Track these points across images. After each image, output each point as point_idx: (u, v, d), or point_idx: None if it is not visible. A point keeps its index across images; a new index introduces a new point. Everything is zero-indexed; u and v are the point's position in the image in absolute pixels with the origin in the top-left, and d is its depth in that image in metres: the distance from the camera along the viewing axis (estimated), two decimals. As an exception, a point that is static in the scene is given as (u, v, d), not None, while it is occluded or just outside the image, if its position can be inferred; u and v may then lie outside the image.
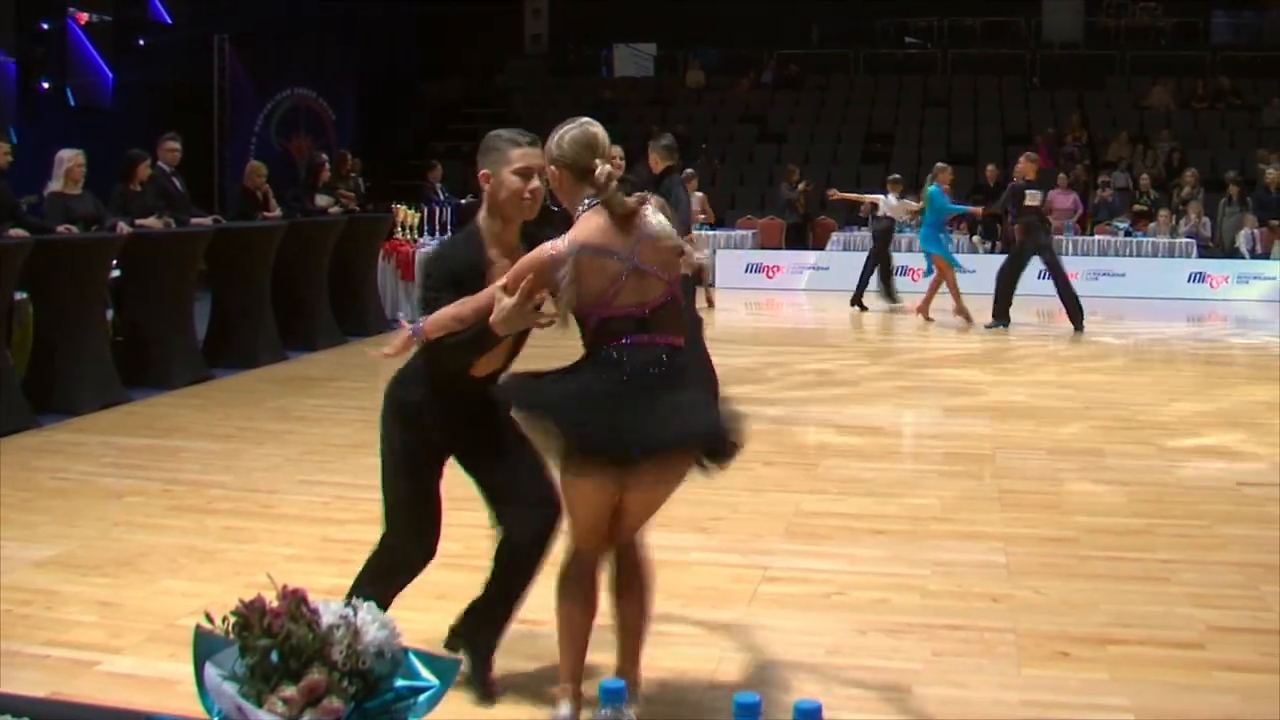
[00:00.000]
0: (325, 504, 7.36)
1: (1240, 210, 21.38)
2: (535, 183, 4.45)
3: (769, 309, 19.62)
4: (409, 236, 16.41)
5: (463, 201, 19.30)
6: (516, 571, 4.85)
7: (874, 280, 18.32)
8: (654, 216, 4.18)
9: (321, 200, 15.13)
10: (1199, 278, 20.45)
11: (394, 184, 21.47)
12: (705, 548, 6.56)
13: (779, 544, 6.63)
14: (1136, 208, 22.12)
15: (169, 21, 21.00)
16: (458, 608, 5.60)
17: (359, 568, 5.04)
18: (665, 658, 5.06)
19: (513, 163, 4.46)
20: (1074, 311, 15.77)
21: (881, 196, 18.44)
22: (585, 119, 4.30)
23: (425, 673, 2.34)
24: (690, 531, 6.85)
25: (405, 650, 2.33)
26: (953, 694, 4.79)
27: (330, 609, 2.29)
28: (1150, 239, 21.17)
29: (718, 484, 7.39)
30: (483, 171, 4.52)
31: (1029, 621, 5.52)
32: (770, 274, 21.64)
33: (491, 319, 4.10)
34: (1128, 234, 21.39)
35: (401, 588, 4.94)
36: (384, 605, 4.56)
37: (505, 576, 4.88)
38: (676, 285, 4.22)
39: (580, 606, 4.40)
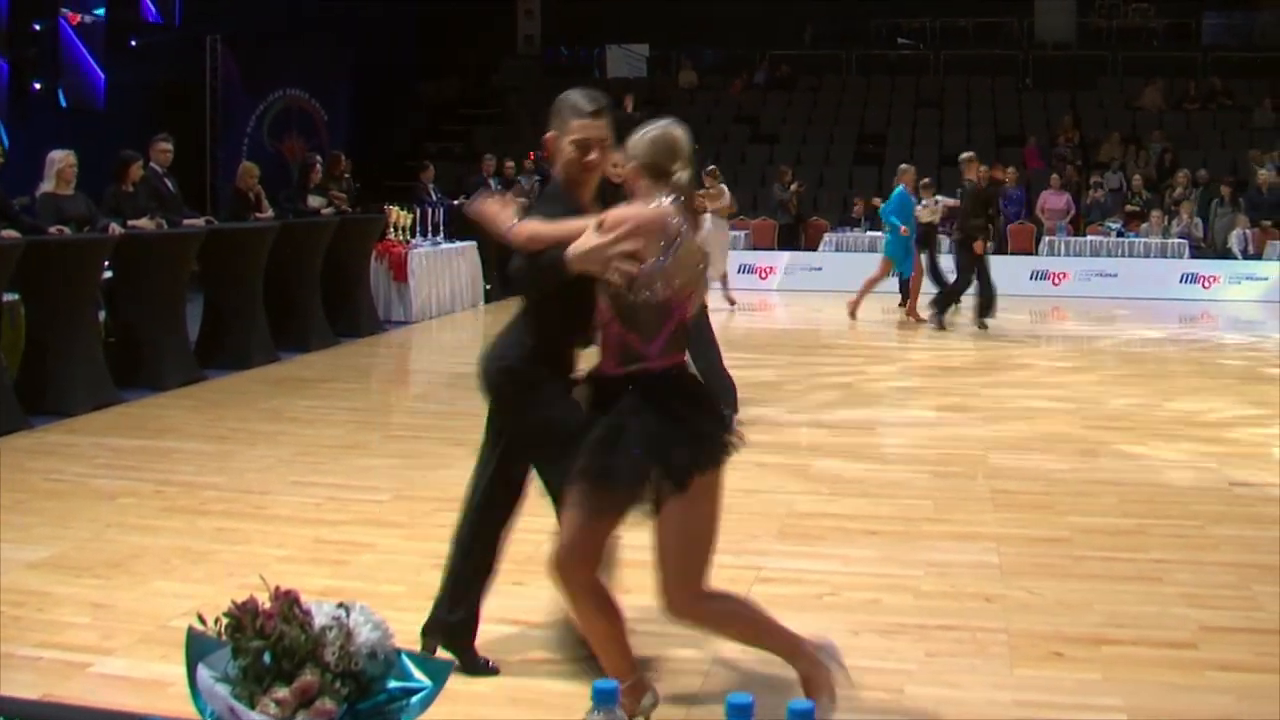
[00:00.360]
0: (318, 505, 7.35)
1: (1232, 211, 21.41)
2: (593, 155, 4.46)
3: (762, 311, 19.61)
4: (401, 237, 16.42)
5: (455, 202, 19.29)
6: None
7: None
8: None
9: (314, 201, 15.12)
10: (1191, 278, 20.47)
11: (387, 185, 21.46)
12: (698, 548, 6.54)
13: (772, 545, 6.63)
14: (1128, 208, 22.14)
15: (161, 21, 20.96)
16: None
17: (353, 569, 5.03)
18: (659, 658, 5.06)
19: (572, 133, 4.48)
20: (985, 304, 16.01)
21: (919, 206, 17.93)
22: (669, 120, 4.24)
23: (418, 674, 2.33)
24: (683, 532, 6.85)
25: (398, 651, 2.33)
26: (946, 694, 4.79)
27: (323, 610, 2.29)
28: (1142, 239, 21.19)
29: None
30: (549, 134, 4.56)
31: (1022, 622, 5.53)
32: (764, 275, 21.64)
33: (570, 249, 4.04)
34: (1120, 234, 21.41)
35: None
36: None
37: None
38: None
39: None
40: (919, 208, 17.24)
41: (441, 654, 4.69)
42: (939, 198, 17.92)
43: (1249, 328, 17.30)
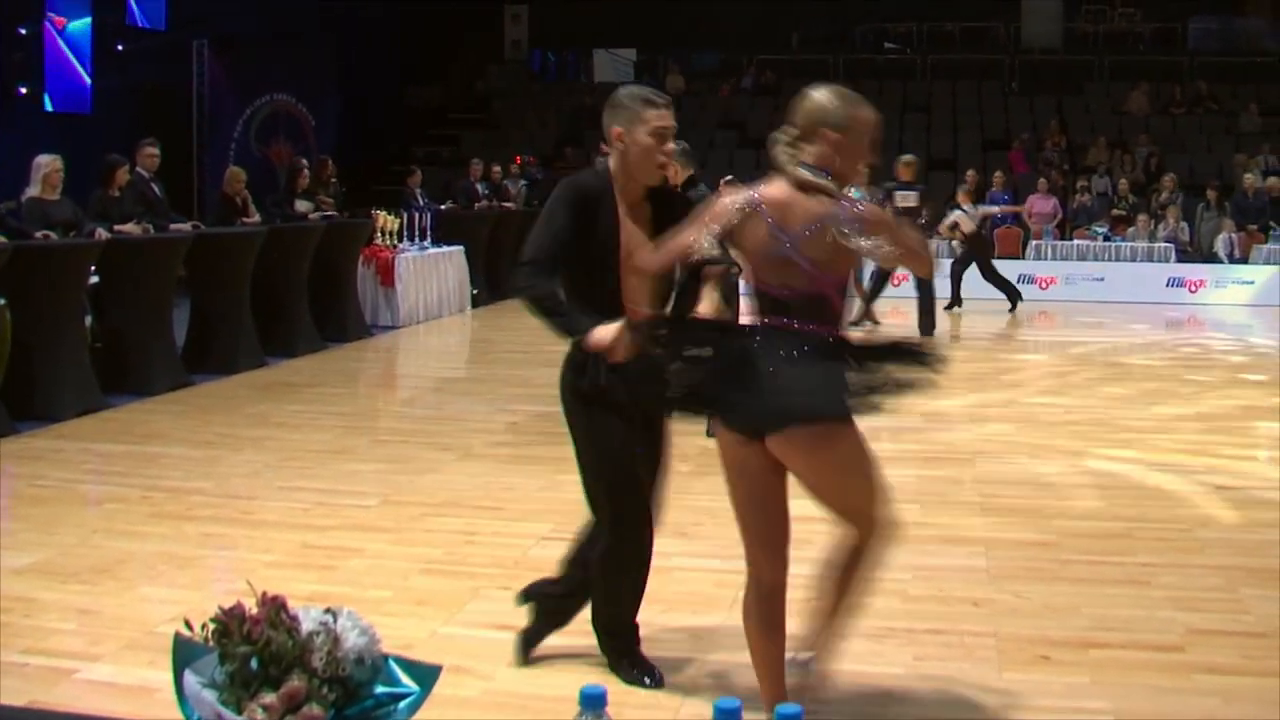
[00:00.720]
0: (305, 510, 7.34)
1: (1218, 215, 21.45)
2: (671, 144, 4.52)
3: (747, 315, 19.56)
4: (389, 242, 16.39)
5: (442, 207, 19.28)
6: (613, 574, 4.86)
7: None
8: None
9: (301, 206, 15.11)
10: (1177, 282, 20.50)
11: (374, 190, 21.45)
12: (687, 553, 6.55)
13: (760, 549, 6.63)
14: (1115, 212, 22.17)
15: (148, 26, 20.93)
16: (438, 614, 5.61)
17: (340, 574, 5.01)
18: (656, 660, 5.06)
19: (649, 123, 4.52)
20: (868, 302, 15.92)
21: (960, 214, 18.01)
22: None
23: (405, 679, 2.33)
24: (672, 537, 6.83)
25: (385, 657, 2.33)
26: (934, 698, 4.79)
27: (310, 616, 2.28)
28: (1129, 244, 21.23)
29: (698, 488, 7.41)
30: (615, 129, 4.56)
31: (1010, 625, 5.53)
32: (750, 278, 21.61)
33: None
34: (1106, 239, 21.45)
35: (642, 581, 4.92)
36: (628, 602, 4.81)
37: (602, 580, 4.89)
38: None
39: (752, 633, 4.35)
40: (957, 214, 17.35)
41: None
42: (979, 205, 17.96)
43: (1235, 331, 17.34)
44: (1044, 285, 20.63)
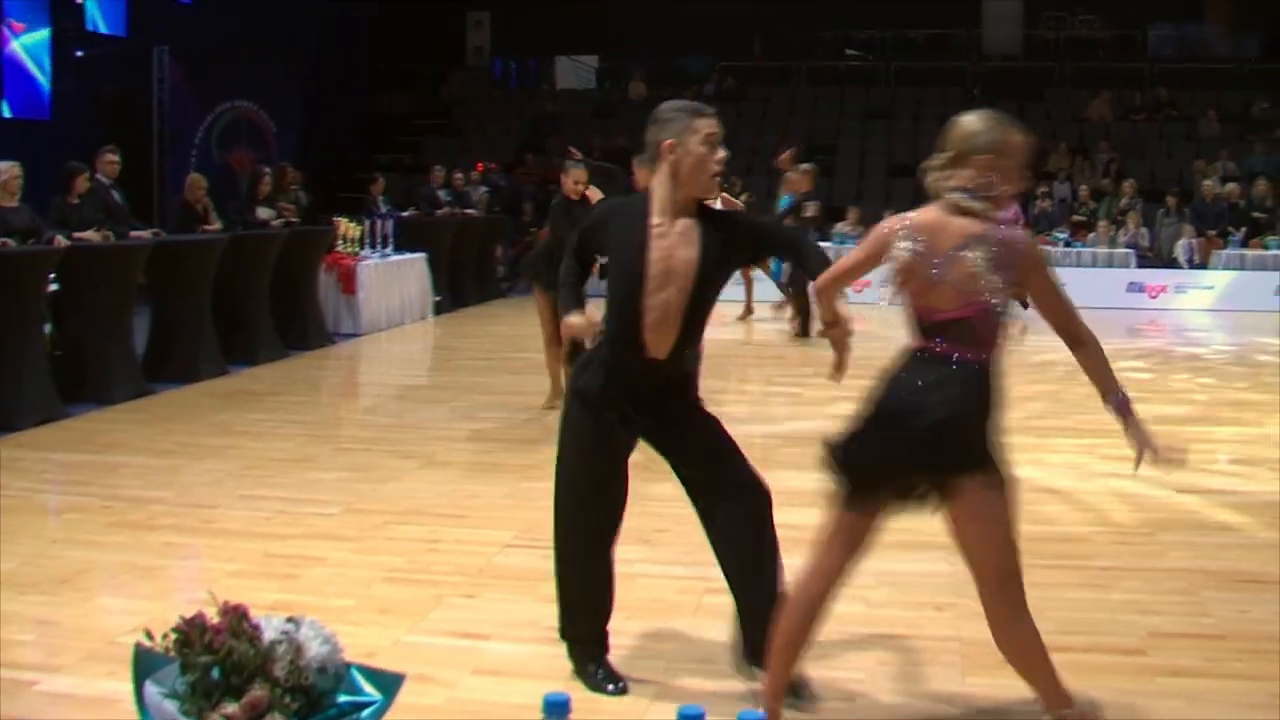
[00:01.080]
0: (267, 519, 7.30)
1: (1178, 220, 21.60)
2: (723, 152, 4.57)
3: (715, 321, 19.56)
4: (351, 250, 16.34)
5: (405, 214, 19.24)
6: (744, 565, 4.84)
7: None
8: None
9: (263, 213, 15.06)
10: (1138, 287, 20.62)
11: (336, 197, 21.39)
12: (650, 560, 6.55)
13: (724, 555, 6.62)
14: (1075, 218, 22.29)
15: (108, 33, 20.83)
16: (401, 622, 5.59)
17: (302, 583, 4.99)
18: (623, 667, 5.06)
19: (699, 131, 4.54)
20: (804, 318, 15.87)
21: None
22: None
23: (368, 688, 2.33)
24: (634, 544, 6.83)
25: (348, 665, 2.32)
26: (897, 703, 4.80)
27: (272, 625, 2.28)
28: (1089, 249, 21.35)
29: (661, 496, 7.40)
30: (667, 141, 4.56)
31: (973, 630, 5.53)
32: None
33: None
34: (1067, 244, 21.56)
35: (605, 594, 4.97)
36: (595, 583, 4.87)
37: (736, 574, 4.86)
38: None
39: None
40: None
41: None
42: None
43: (1195, 336, 17.45)
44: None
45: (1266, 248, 20.94)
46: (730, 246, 4.67)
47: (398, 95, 28.90)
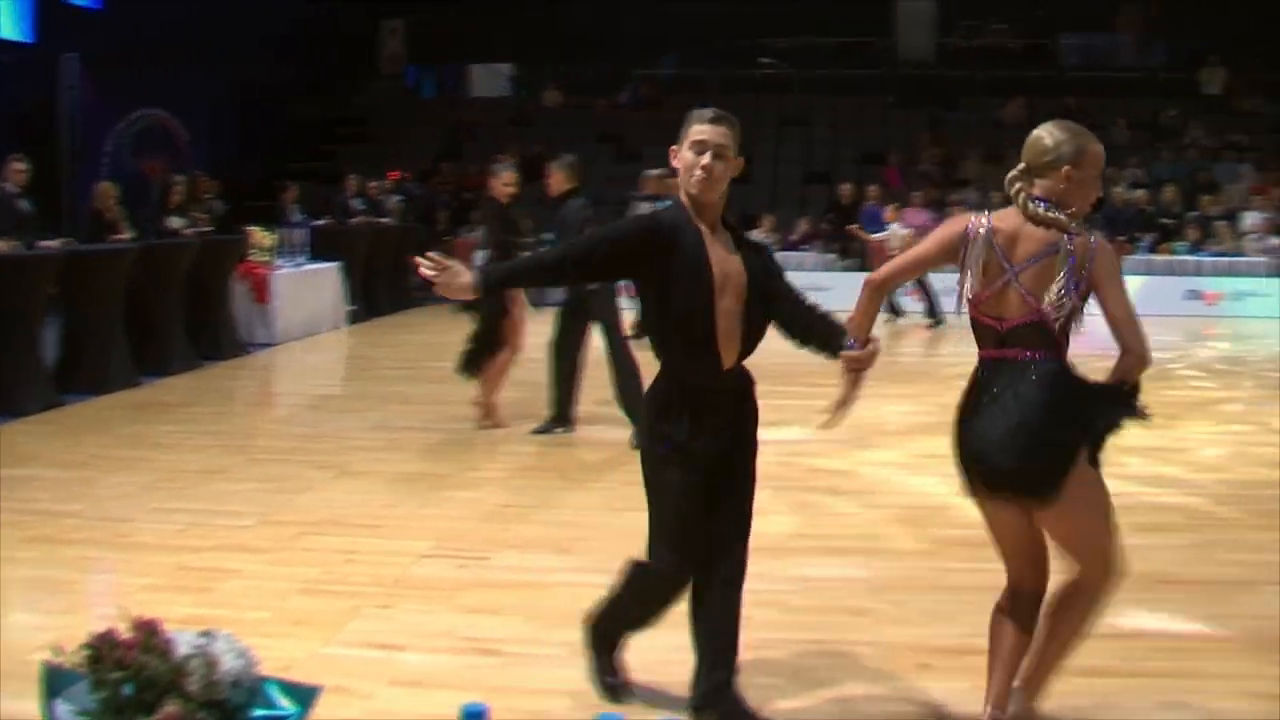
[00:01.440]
0: (181, 531, 7.22)
1: (1089, 226, 21.84)
2: (706, 159, 4.43)
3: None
4: (264, 258, 16.21)
5: (318, 223, 19.12)
6: (716, 630, 4.69)
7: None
8: None
9: (175, 222, 14.93)
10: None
11: (249, 206, 21.21)
12: (566, 568, 6.55)
13: (642, 563, 6.62)
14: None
15: (14, 40, 20.54)
16: (318, 634, 5.55)
17: (217, 596, 4.94)
18: (528, 679, 5.06)
19: (690, 136, 4.49)
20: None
21: (893, 230, 18.93)
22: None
23: (283, 701, 2.31)
24: (551, 552, 6.86)
25: (263, 679, 2.30)
26: (816, 707, 4.83)
27: (185, 639, 2.25)
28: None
29: (578, 504, 7.41)
30: (673, 146, 4.55)
31: (890, 634, 5.59)
32: (634, 292, 21.62)
33: None
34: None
35: (661, 613, 4.82)
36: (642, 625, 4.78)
37: (706, 617, 4.71)
38: None
39: (1002, 631, 4.55)
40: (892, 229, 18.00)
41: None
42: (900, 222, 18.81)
43: (1105, 340, 17.61)
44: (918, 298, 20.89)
45: (1175, 253, 21.33)
46: (759, 266, 4.58)
47: (313, 104, 28.69)
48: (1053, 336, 4.20)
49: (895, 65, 28.46)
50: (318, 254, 17.61)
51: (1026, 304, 4.15)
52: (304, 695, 2.32)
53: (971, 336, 4.34)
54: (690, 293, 4.42)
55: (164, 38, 22.44)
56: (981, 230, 4.19)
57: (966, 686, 4.96)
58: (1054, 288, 4.12)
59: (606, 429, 9.95)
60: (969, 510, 7.70)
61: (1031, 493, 4.19)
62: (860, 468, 9.05)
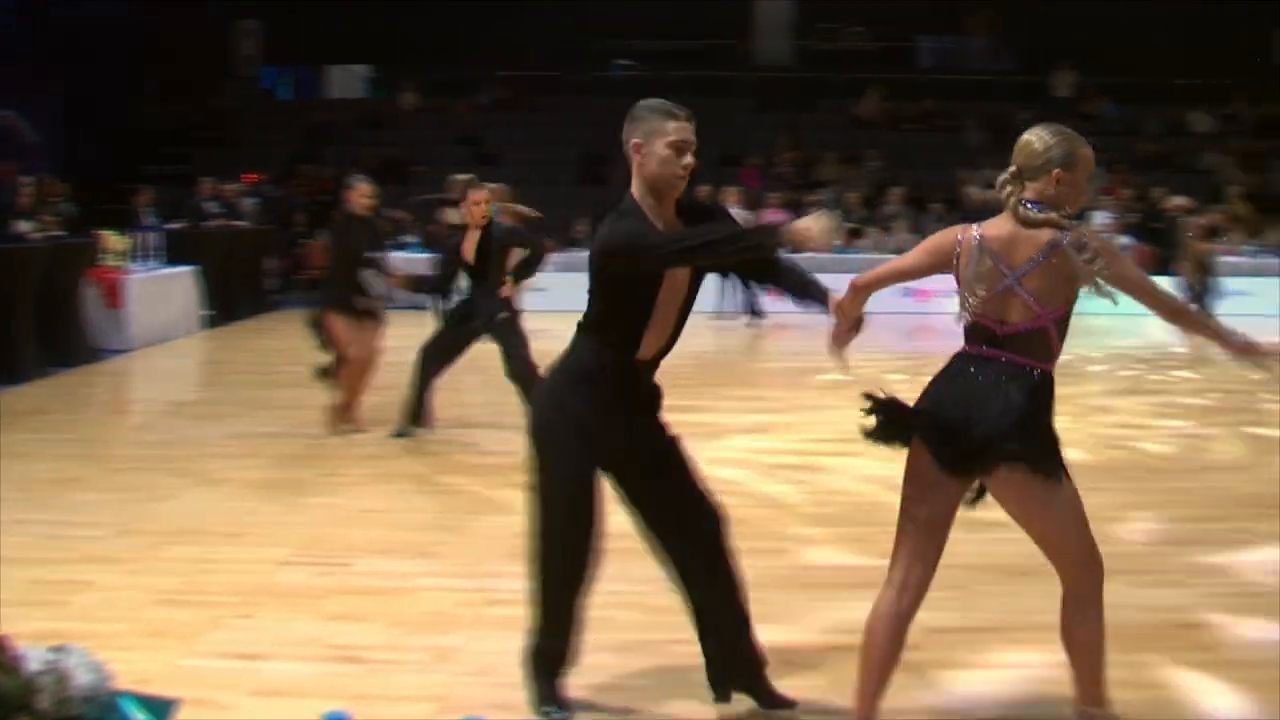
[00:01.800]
0: (34, 544, 7.06)
1: (946, 227, 22.24)
2: (689, 159, 4.46)
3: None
4: (117, 262, 15.92)
5: (172, 226, 18.82)
6: (711, 600, 4.79)
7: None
8: None
9: (24, 226, 14.61)
10: (909, 292, 21.14)
11: (101, 209, 20.82)
12: (429, 572, 6.53)
13: (502, 566, 6.56)
14: (847, 226, 22.80)
15: None
16: (177, 645, 5.47)
17: (72, 609, 4.84)
18: (391, 685, 5.03)
19: (668, 135, 4.46)
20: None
21: None
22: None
23: (139, 715, 2.28)
24: (413, 557, 6.82)
25: (117, 694, 2.27)
26: (680, 707, 4.85)
27: (36, 655, 2.21)
28: (860, 255, 21.84)
29: (439, 508, 7.39)
30: (634, 141, 4.47)
31: (761, 634, 5.63)
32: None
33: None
34: (838, 251, 22.04)
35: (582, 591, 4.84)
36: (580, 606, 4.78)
37: (705, 600, 4.79)
38: None
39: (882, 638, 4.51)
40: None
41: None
42: None
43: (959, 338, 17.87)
44: (775, 298, 21.13)
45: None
46: None
47: (168, 105, 28.23)
48: (1049, 345, 4.26)
49: (753, 68, 28.69)
50: (173, 258, 17.33)
51: (1029, 310, 4.22)
52: (161, 708, 2.29)
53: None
54: (637, 284, 4.45)
55: (13, 37, 22.02)
56: (973, 241, 4.29)
57: (824, 683, 5.07)
58: (1073, 284, 4.18)
59: (468, 431, 9.93)
60: (827, 508, 7.83)
61: (1033, 463, 4.19)
62: (717, 468, 9.10)
